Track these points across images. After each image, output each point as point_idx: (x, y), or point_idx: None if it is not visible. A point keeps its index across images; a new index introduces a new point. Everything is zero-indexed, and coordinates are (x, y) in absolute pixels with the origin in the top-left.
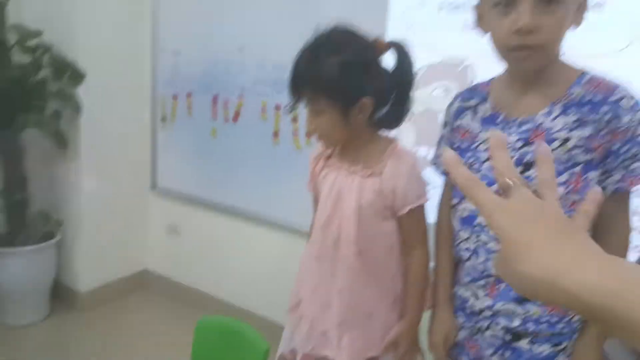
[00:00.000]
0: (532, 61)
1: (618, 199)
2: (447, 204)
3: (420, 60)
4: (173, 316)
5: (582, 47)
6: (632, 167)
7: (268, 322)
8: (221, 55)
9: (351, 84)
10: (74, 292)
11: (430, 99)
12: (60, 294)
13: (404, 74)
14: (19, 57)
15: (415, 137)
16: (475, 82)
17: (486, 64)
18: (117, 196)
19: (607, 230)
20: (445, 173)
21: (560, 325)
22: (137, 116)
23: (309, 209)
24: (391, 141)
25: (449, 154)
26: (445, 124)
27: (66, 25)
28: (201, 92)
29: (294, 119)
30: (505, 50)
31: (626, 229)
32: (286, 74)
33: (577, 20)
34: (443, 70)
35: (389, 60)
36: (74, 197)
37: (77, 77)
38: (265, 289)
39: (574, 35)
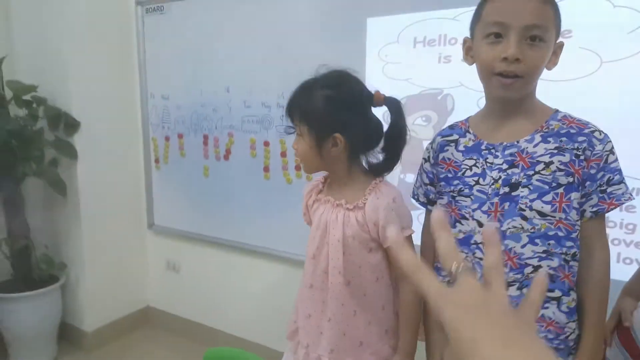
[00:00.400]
0: (514, 88)
1: (597, 221)
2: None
3: (400, 92)
4: (177, 350)
5: (554, 73)
6: (608, 190)
7: (270, 350)
8: (209, 96)
9: (328, 118)
10: (80, 332)
11: (412, 128)
12: (67, 335)
13: (396, 129)
14: (16, 111)
15: (400, 165)
16: (454, 110)
17: (463, 91)
18: (116, 237)
19: (589, 252)
20: (424, 205)
21: (556, 342)
22: (131, 159)
23: (302, 239)
24: (374, 176)
25: (393, 232)
26: (426, 160)
27: (59, 78)
28: (192, 133)
29: (283, 154)
30: (490, 74)
31: (606, 248)
32: (272, 112)
33: (552, 62)
34: (423, 100)
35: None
36: (75, 240)
37: (72, 126)
38: (264, 318)
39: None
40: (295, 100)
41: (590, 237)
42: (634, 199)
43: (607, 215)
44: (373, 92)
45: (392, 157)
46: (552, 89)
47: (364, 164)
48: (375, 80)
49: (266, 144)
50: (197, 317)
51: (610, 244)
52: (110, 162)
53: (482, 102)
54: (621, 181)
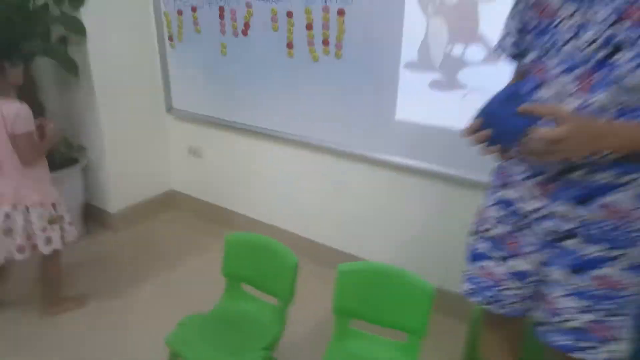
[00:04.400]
0: None
1: None
2: None
3: None
4: (199, 232)
5: None
6: None
7: (284, 231)
8: None
9: None
10: (105, 213)
11: None
12: (93, 216)
13: None
14: None
15: (447, 34)
16: None
17: None
18: (134, 120)
19: None
20: (513, 57)
21: (615, 233)
22: (144, 37)
23: (328, 125)
24: None
25: None
26: (518, 2)
27: None
28: (206, 5)
29: (309, 27)
30: None
31: None
32: None
33: None
34: None
35: None
36: (92, 123)
37: None
38: (283, 203)
39: None
40: None
41: None
42: None
43: None
44: None
45: None
46: None
47: None
48: None
49: (289, 14)
50: (218, 201)
51: None
52: (122, 39)
53: None
54: None
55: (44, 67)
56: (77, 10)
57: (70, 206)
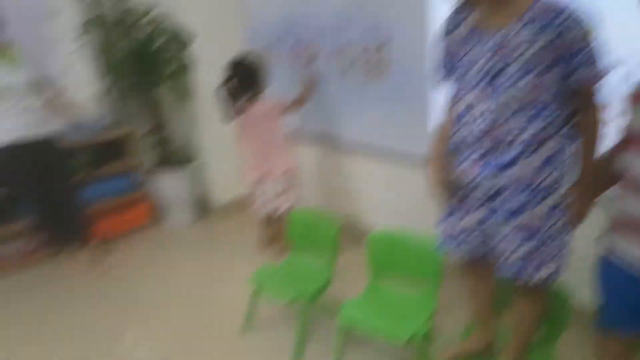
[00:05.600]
0: None
1: (585, 90)
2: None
3: None
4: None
5: None
6: (589, 68)
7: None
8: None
9: None
10: (211, 204)
11: None
12: (203, 206)
13: None
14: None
15: None
16: None
17: None
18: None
19: (584, 112)
20: (444, 78)
21: (526, 192)
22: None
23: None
24: None
25: None
26: (447, 33)
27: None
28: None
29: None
30: None
31: (594, 108)
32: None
33: None
34: None
35: None
36: (201, 134)
37: (186, 41)
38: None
39: None
40: None
41: (583, 101)
42: (608, 73)
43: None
44: None
45: None
46: None
47: None
48: None
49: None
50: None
51: None
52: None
53: None
54: (595, 60)
55: (162, 93)
56: (185, 50)
57: (188, 196)
